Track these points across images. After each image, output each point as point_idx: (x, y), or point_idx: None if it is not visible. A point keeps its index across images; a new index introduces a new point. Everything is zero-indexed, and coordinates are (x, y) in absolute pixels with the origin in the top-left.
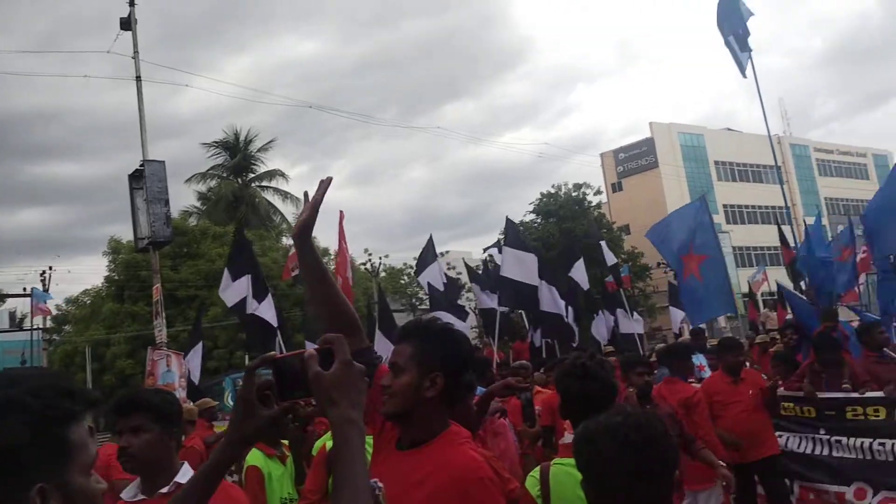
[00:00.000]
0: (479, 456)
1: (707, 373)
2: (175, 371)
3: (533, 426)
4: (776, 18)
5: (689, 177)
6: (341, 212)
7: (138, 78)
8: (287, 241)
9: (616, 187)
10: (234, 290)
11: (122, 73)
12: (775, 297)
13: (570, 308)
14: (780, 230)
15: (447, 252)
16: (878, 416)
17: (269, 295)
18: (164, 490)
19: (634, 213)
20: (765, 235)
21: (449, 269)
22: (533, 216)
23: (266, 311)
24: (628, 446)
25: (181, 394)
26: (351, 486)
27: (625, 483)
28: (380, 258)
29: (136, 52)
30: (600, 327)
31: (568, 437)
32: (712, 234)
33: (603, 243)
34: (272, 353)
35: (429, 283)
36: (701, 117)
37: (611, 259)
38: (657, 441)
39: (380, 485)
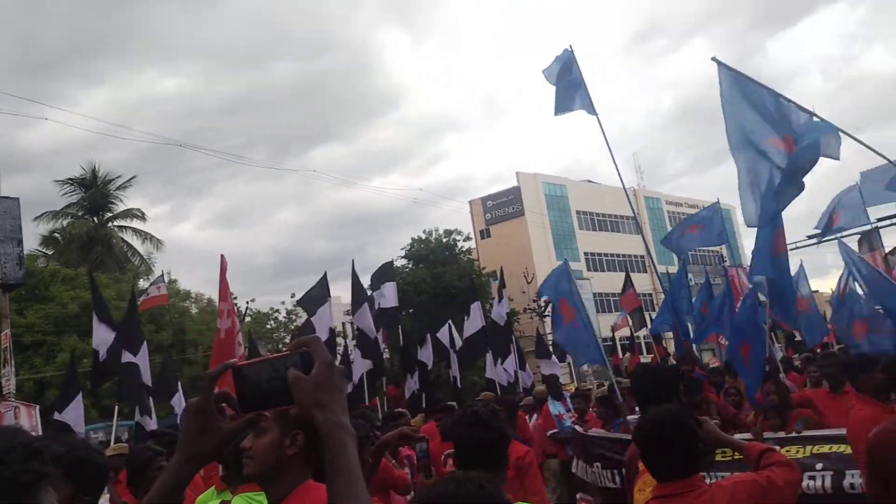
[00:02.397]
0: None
1: (567, 421)
2: (25, 424)
3: (429, 478)
4: (630, 81)
5: (553, 225)
6: (222, 256)
7: None
8: (144, 282)
9: (484, 234)
10: (102, 337)
11: None
12: (633, 342)
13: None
14: (627, 277)
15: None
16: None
17: (144, 344)
18: None
19: (502, 259)
20: (619, 283)
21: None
22: (404, 261)
23: (141, 361)
24: None
25: None
26: (356, 496)
27: None
28: (246, 302)
29: None
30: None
31: None
32: (576, 294)
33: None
34: (233, 360)
35: (360, 329)
36: (564, 169)
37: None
38: None
39: None
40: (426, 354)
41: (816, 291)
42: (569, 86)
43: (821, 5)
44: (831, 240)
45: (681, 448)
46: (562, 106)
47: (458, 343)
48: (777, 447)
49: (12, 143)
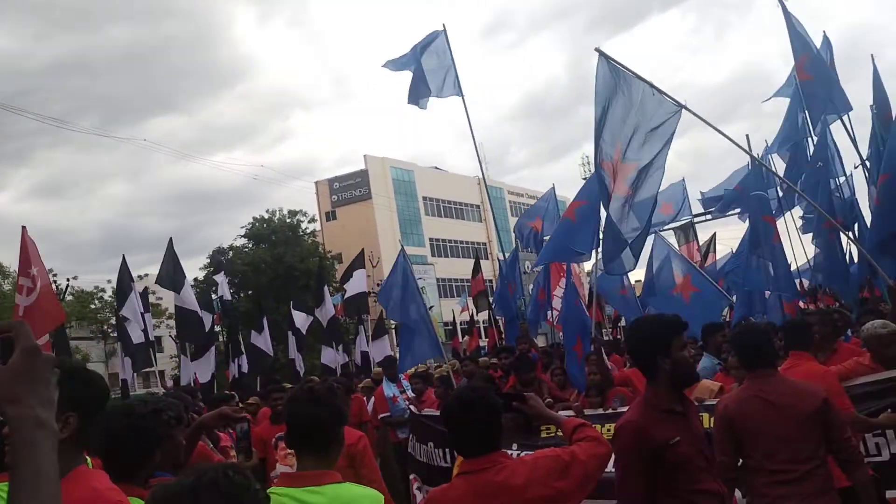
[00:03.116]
0: (106, 486)
1: (402, 403)
2: None
3: (249, 459)
4: (478, 73)
5: (400, 209)
6: (24, 227)
7: None
8: None
9: (330, 216)
10: None
11: None
12: (472, 325)
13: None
14: (476, 262)
15: (146, 275)
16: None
17: None
18: None
19: (347, 242)
20: (466, 268)
21: (150, 293)
22: (244, 241)
23: None
24: None
25: None
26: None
27: None
28: (67, 280)
29: None
30: (332, 356)
31: (281, 468)
32: (414, 287)
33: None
34: None
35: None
36: (411, 155)
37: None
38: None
39: None
40: (263, 340)
41: (638, 281)
42: (433, 68)
43: (654, 12)
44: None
45: (482, 425)
46: (416, 94)
47: (305, 325)
48: (596, 424)
49: None
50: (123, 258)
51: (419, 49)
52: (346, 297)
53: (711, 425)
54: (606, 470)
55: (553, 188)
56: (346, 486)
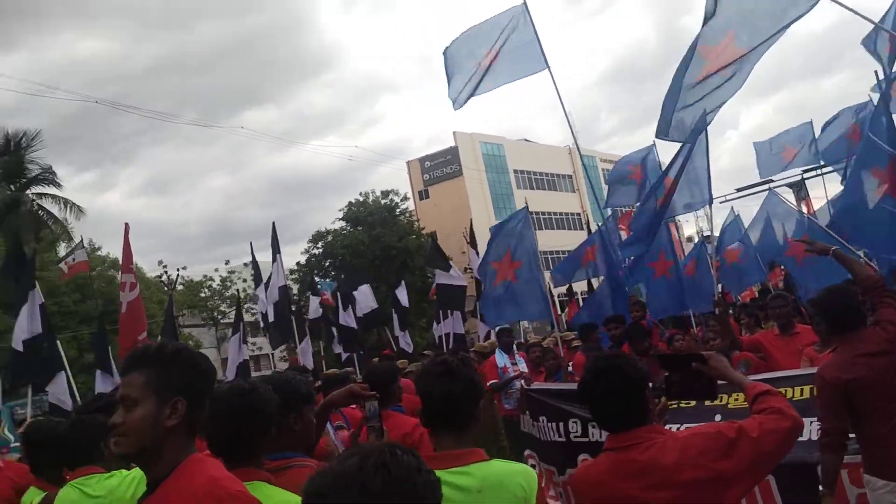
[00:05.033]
0: (223, 475)
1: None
2: None
3: (381, 437)
4: (563, 41)
5: (491, 184)
6: (126, 224)
7: None
8: (63, 250)
9: (423, 195)
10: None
11: None
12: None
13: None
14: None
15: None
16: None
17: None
18: None
19: (441, 220)
20: (560, 239)
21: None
22: (342, 223)
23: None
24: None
25: None
26: None
27: None
28: (177, 270)
29: None
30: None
31: None
32: (532, 243)
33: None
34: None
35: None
36: (500, 129)
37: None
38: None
39: None
40: (349, 316)
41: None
42: (515, 48)
43: None
44: (762, 191)
45: (621, 397)
46: (505, 75)
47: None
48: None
49: None
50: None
51: (501, 22)
52: (437, 283)
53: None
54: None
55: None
56: (493, 463)
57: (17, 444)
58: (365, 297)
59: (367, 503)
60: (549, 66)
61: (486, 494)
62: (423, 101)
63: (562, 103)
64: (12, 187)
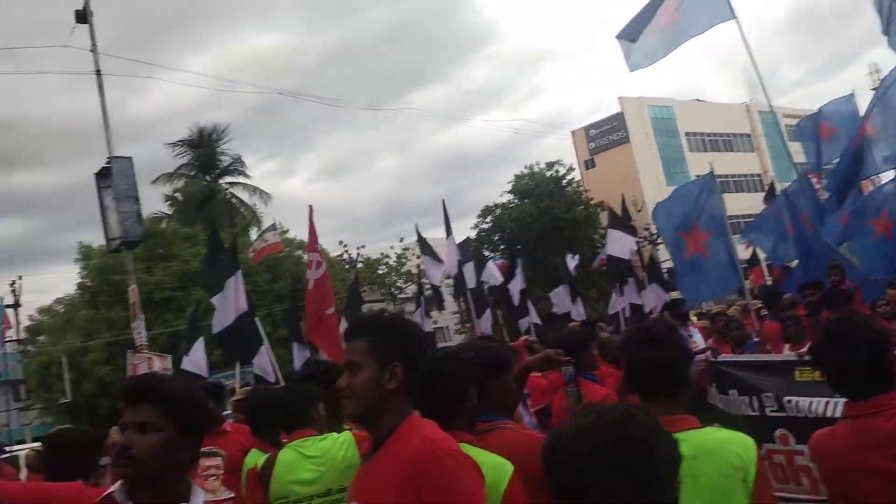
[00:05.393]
0: (439, 435)
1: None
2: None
3: (579, 402)
4: None
5: (661, 149)
6: (310, 206)
7: (98, 72)
8: (254, 235)
9: (589, 164)
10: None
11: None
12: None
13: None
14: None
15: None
16: None
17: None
18: None
19: (608, 189)
20: (739, 203)
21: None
22: (510, 196)
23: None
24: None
25: None
26: None
27: None
28: (357, 249)
29: (94, 44)
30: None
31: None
32: (720, 210)
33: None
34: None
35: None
36: (668, 91)
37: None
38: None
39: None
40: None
41: None
42: (698, 1)
43: None
44: None
45: (862, 361)
46: (691, 29)
47: (574, 273)
48: None
49: (126, 112)
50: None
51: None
52: (608, 255)
53: None
54: None
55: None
56: (707, 430)
57: (226, 412)
58: (491, 272)
59: (604, 459)
60: (735, 16)
61: (700, 462)
62: (584, 68)
63: (750, 54)
64: (207, 178)
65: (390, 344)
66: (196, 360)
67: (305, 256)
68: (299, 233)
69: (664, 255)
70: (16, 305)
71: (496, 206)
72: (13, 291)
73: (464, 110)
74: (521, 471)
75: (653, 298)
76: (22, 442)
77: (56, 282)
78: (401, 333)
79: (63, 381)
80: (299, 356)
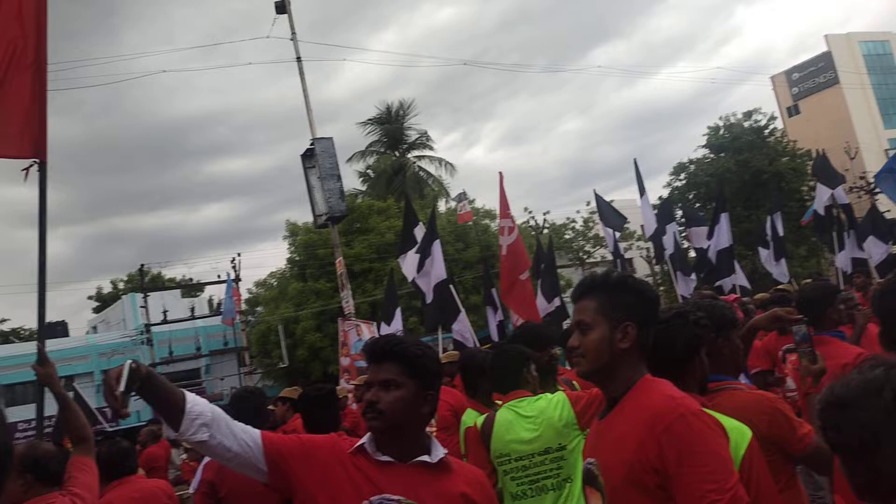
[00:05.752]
0: (680, 394)
1: None
2: (367, 340)
3: (814, 363)
4: None
5: (876, 90)
6: (500, 174)
7: (298, 59)
8: (442, 206)
9: (792, 111)
10: (410, 263)
11: (282, 60)
12: None
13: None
14: None
15: (612, 201)
16: None
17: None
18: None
19: (816, 136)
20: None
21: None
22: (704, 151)
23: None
24: None
25: None
26: None
27: None
28: (543, 215)
29: (293, 33)
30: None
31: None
32: None
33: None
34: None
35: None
36: (882, 23)
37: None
38: None
39: (591, 460)
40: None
41: None
42: None
43: None
44: None
45: None
46: None
47: (781, 231)
48: None
49: (321, 95)
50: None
51: None
52: (814, 209)
53: None
54: None
55: None
56: None
57: None
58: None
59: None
60: None
61: None
62: (781, 7)
63: None
64: (396, 153)
65: (621, 303)
66: (395, 327)
67: (492, 225)
68: (484, 201)
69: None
70: (237, 280)
71: (690, 162)
72: (234, 268)
73: (649, 64)
74: (755, 431)
75: (878, 251)
76: None
77: (268, 257)
78: (631, 292)
79: (280, 347)
80: (493, 321)
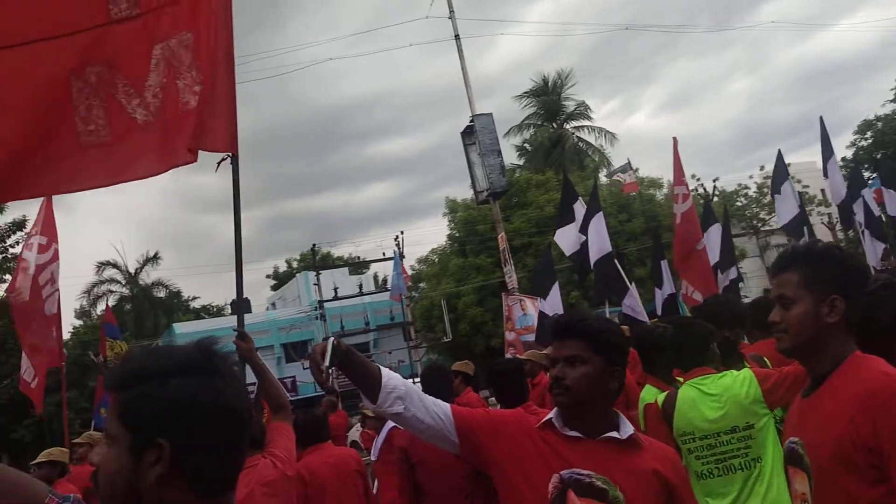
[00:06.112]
0: (895, 371)
1: None
2: (532, 314)
3: None
4: None
5: None
6: (674, 138)
7: (457, 36)
8: (603, 177)
9: None
10: (568, 238)
11: (441, 39)
12: None
13: None
14: None
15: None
16: None
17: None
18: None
19: None
20: None
21: (795, 183)
22: (894, 106)
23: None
24: None
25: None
26: None
27: None
28: (713, 182)
29: (451, 11)
30: None
31: None
32: None
33: None
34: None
35: None
36: None
37: None
38: None
39: (795, 439)
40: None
41: None
42: None
43: None
44: None
45: None
46: None
47: None
48: None
49: (476, 71)
50: (779, 153)
51: None
52: None
53: None
54: None
55: None
56: None
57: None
58: None
59: None
60: None
61: None
62: None
63: None
64: (553, 125)
65: (826, 276)
66: (553, 302)
67: (658, 194)
68: (646, 171)
69: None
70: (401, 257)
71: (877, 119)
72: (398, 245)
73: (825, 15)
74: None
75: None
76: (414, 376)
77: (429, 234)
78: (837, 264)
79: (443, 322)
80: (660, 295)
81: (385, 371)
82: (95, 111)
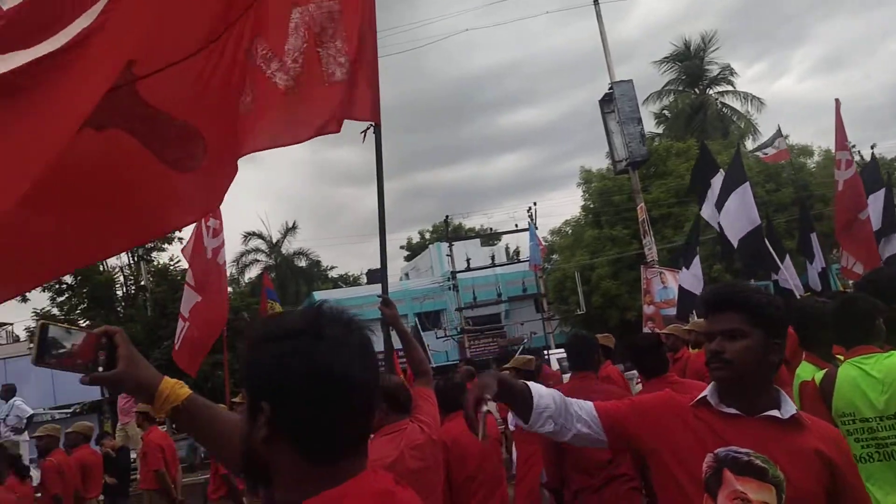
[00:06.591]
0: None
1: None
2: (672, 287)
3: None
4: None
5: None
6: (837, 100)
7: (596, 2)
8: (750, 144)
9: None
10: (712, 209)
11: (577, 5)
12: None
13: None
14: None
15: None
16: None
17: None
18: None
19: None
20: None
21: None
22: None
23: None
24: None
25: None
26: None
27: None
28: (871, 148)
29: None
30: None
31: None
32: None
33: None
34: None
35: None
36: None
37: None
38: None
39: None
40: None
41: None
42: None
43: None
44: None
45: None
46: None
47: None
48: None
49: (611, 37)
50: None
51: None
52: None
53: None
54: None
55: None
56: None
57: None
58: None
59: None
60: None
61: None
62: None
63: None
64: (695, 91)
65: None
66: (695, 273)
67: (809, 162)
68: (796, 137)
69: None
70: (535, 228)
71: None
72: (530, 216)
73: None
74: None
75: None
76: (547, 348)
77: (562, 205)
78: None
79: (577, 294)
80: (812, 270)
81: (535, 391)
82: (248, 79)
